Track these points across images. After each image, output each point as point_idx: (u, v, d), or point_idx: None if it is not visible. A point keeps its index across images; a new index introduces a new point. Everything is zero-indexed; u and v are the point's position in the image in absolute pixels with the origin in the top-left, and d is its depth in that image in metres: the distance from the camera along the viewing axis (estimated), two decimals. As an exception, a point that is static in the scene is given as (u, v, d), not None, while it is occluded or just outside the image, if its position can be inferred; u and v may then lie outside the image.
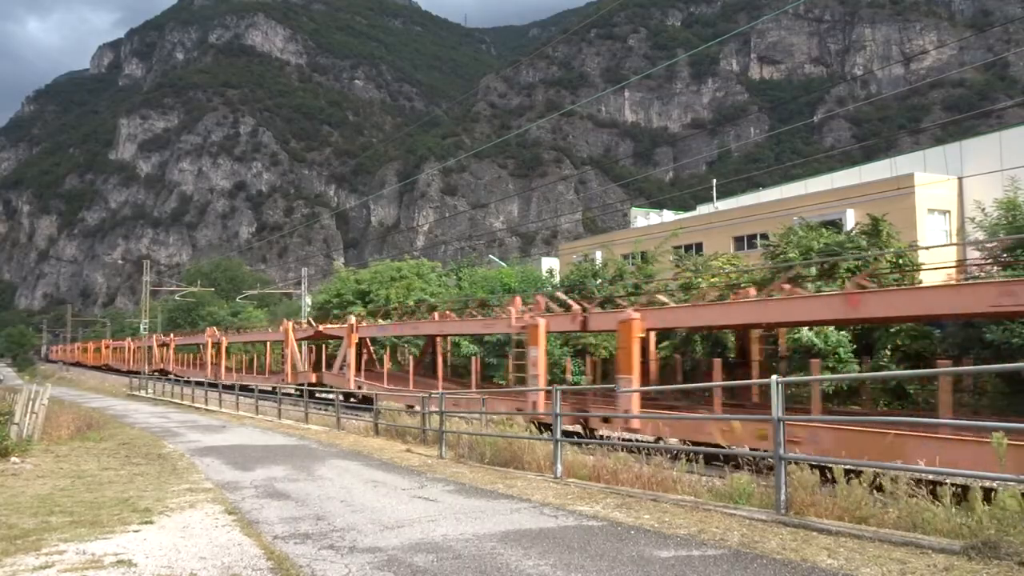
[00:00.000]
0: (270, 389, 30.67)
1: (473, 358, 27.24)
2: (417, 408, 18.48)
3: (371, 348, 33.75)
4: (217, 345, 45.97)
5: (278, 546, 6.67)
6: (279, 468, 12.26)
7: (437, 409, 14.91)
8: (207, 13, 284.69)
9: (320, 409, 26.93)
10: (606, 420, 16.73)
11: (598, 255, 37.99)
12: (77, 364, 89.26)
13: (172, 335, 58.61)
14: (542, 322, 19.65)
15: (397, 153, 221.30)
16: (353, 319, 32.27)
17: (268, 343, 42.50)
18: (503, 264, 62.34)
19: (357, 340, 30.93)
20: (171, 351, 55.43)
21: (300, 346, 37.16)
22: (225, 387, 32.26)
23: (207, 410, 29.07)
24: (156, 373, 52.04)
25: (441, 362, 28.48)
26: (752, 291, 16.95)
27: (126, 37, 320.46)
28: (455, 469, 11.88)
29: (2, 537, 7.12)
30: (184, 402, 34.15)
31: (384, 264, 49.82)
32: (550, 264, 58.21)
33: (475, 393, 20.12)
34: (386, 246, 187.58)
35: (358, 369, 30.74)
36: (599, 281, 29.23)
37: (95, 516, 8.18)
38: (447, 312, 28.46)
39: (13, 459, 13.01)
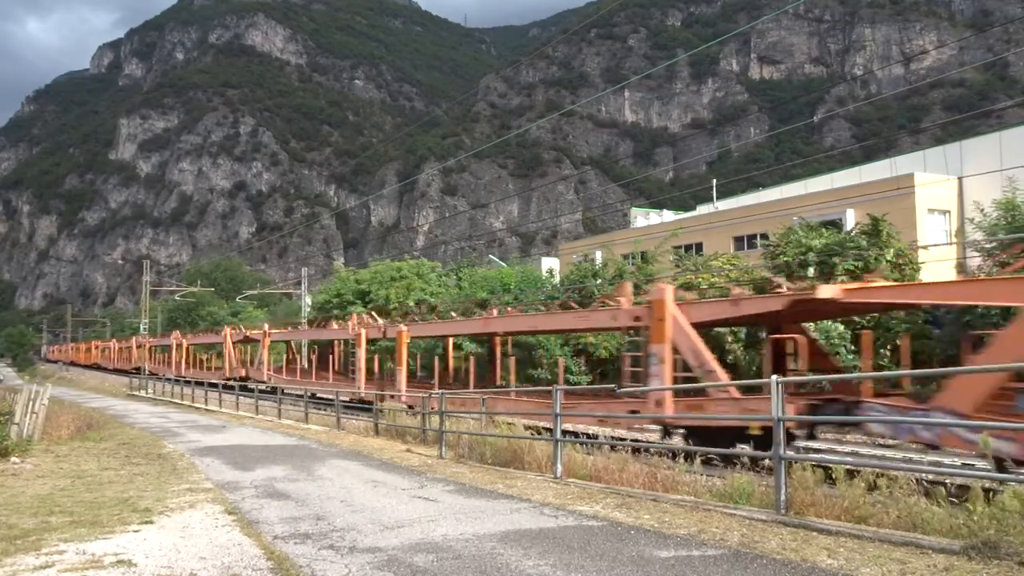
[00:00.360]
0: (215, 381, 36.51)
1: (313, 356, 37.04)
2: (312, 393, 26.64)
3: (293, 348, 42.14)
4: (180, 346, 52.94)
5: (278, 546, 6.67)
6: (279, 468, 12.27)
7: (437, 409, 14.91)
8: (207, 13, 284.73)
9: (320, 409, 26.95)
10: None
11: (598, 255, 37.98)
12: (72, 363, 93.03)
13: (148, 338, 66.34)
14: (363, 332, 28.48)
15: (397, 153, 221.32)
16: (267, 326, 41.29)
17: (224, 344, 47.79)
18: (503, 264, 62.31)
19: (270, 343, 39.47)
20: (147, 351, 61.72)
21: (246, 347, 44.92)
22: (186, 381, 39.23)
23: (207, 410, 29.09)
24: (134, 370, 59.19)
25: (311, 360, 37.39)
26: (494, 311, 23.96)
27: (126, 37, 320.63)
28: (455, 469, 11.88)
29: (2, 537, 7.13)
30: (184, 402, 34.18)
31: (384, 264, 49.76)
32: (550, 264, 58.19)
33: (475, 393, 20.42)
34: (386, 246, 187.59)
35: (280, 367, 39.57)
36: (599, 281, 29.24)
37: (95, 516, 8.18)
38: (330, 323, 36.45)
39: (13, 459, 13.01)
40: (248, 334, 43.06)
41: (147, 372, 51.94)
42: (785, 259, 21.71)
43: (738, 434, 12.99)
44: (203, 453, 14.61)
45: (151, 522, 7.81)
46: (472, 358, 27.65)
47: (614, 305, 16.69)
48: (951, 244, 26.70)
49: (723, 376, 14.21)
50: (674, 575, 5.52)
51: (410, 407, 21.48)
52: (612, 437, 14.30)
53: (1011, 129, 36.83)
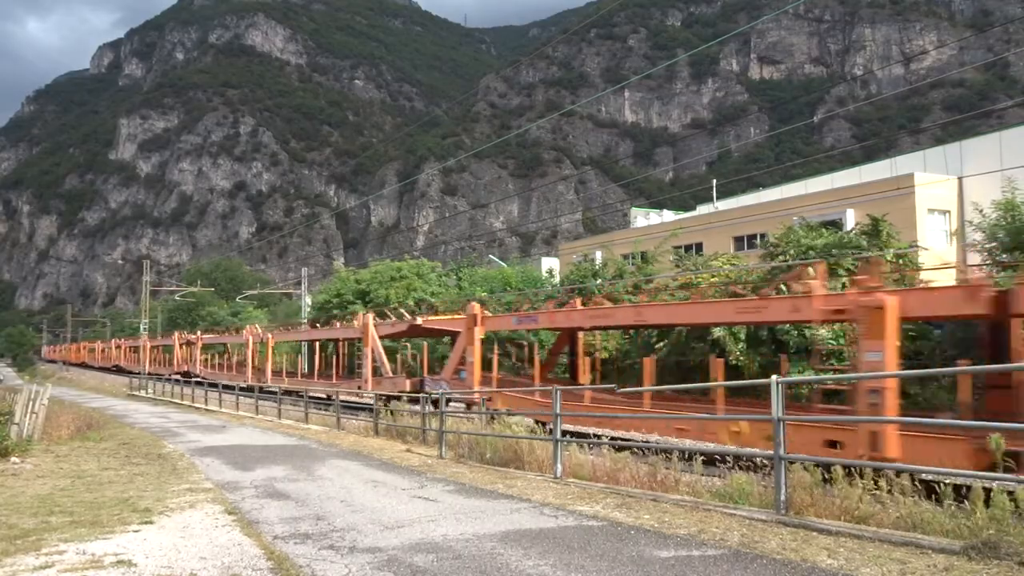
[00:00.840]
0: (167, 375, 47.45)
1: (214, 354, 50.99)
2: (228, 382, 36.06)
3: (229, 349, 51.34)
4: (145, 347, 64.54)
5: (278, 546, 6.68)
6: (279, 468, 12.27)
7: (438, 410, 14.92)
8: (207, 13, 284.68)
9: (320, 409, 26.96)
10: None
11: (598, 255, 37.99)
12: (65, 362, 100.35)
13: (123, 340, 79.49)
14: (250, 338, 41.15)
15: (397, 153, 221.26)
16: (199, 332, 53.39)
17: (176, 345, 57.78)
18: (503, 264, 62.31)
19: (202, 345, 51.17)
20: (123, 352, 74.11)
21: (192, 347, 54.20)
22: (156, 375, 49.40)
23: (207, 410, 29.08)
24: (114, 367, 72.79)
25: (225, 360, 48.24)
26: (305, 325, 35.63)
27: (126, 37, 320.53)
28: (455, 469, 11.88)
29: (2, 537, 7.13)
30: (184, 402, 34.17)
31: (384, 264, 49.77)
32: (550, 264, 58.19)
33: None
34: (386, 246, 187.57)
35: (213, 365, 50.01)
36: (599, 281, 29.25)
37: (95, 516, 8.18)
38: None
39: (13, 459, 13.01)
40: (188, 338, 54.22)
41: (146, 372, 53.07)
42: (784, 259, 21.68)
43: (389, 399, 22.60)
44: (203, 453, 14.61)
45: (151, 522, 7.81)
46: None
47: (354, 324, 30.04)
48: (950, 245, 26.67)
49: (388, 368, 27.27)
50: (674, 575, 5.52)
51: (286, 392, 28.53)
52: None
53: (1011, 129, 36.82)
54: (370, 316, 27.97)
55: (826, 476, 8.01)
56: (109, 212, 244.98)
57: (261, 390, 29.49)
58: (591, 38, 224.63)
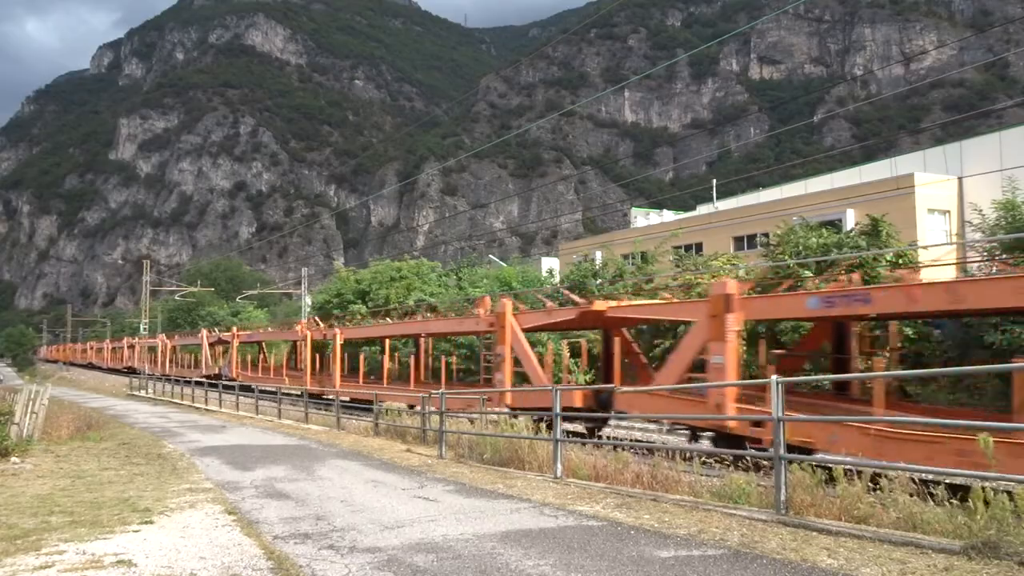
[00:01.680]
0: (117, 367, 67.01)
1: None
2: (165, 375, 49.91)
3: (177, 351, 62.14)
4: (106, 348, 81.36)
5: (278, 546, 6.68)
6: (279, 468, 12.27)
7: (437, 409, 14.91)
8: (207, 13, 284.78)
9: (320, 409, 26.96)
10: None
11: (598, 255, 37.96)
12: (64, 361, 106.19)
13: (95, 343, 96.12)
14: (160, 343, 58.10)
15: (397, 153, 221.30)
16: (137, 338, 68.12)
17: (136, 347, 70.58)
18: (503, 264, 62.28)
19: (140, 347, 64.49)
20: (94, 351, 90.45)
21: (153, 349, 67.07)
22: (127, 368, 64.10)
23: (207, 410, 29.09)
24: (88, 365, 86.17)
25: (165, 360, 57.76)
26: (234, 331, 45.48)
27: (126, 37, 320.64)
28: (455, 469, 11.88)
29: (2, 537, 7.13)
30: (184, 402, 34.17)
31: (384, 264, 49.71)
32: (550, 264, 58.19)
33: (474, 393, 20.41)
34: (386, 246, 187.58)
35: (150, 362, 60.52)
36: (599, 281, 29.23)
37: (95, 516, 8.18)
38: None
39: (13, 459, 13.01)
40: (131, 342, 69.23)
41: (147, 372, 53.36)
42: (783, 258, 21.66)
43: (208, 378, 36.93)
44: (203, 453, 14.61)
45: (151, 522, 7.82)
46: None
47: (198, 336, 49.91)
48: (951, 244, 26.66)
49: (212, 362, 47.36)
50: (674, 575, 5.52)
51: (179, 377, 41.89)
52: (610, 437, 14.44)
53: (1011, 129, 36.81)
54: (204, 331, 49.67)
55: (828, 477, 8.00)
56: (109, 212, 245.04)
57: (167, 377, 45.15)
58: (591, 38, 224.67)
